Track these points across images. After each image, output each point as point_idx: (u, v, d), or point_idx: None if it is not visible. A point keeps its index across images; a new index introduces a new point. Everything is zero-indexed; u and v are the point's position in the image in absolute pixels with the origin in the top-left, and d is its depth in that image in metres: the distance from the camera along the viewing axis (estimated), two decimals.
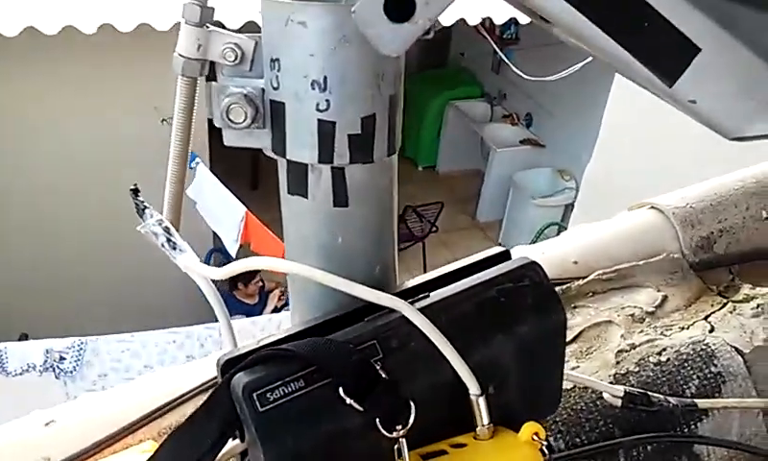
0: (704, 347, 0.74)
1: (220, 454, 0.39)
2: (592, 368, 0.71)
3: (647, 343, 0.74)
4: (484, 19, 3.70)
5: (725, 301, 0.83)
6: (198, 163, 3.56)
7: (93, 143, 3.82)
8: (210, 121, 0.41)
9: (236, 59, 0.41)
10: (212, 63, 0.43)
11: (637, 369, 0.71)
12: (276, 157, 0.43)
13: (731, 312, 0.80)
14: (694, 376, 0.71)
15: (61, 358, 2.60)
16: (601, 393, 0.65)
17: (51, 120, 3.71)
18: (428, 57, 6.62)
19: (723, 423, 0.70)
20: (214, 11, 0.43)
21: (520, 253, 0.86)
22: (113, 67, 3.61)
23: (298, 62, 0.39)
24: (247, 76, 0.42)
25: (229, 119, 0.40)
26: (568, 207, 5.15)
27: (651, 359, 0.72)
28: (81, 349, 2.64)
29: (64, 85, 3.66)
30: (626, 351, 0.73)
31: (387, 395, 0.38)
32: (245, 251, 3.52)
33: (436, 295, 0.44)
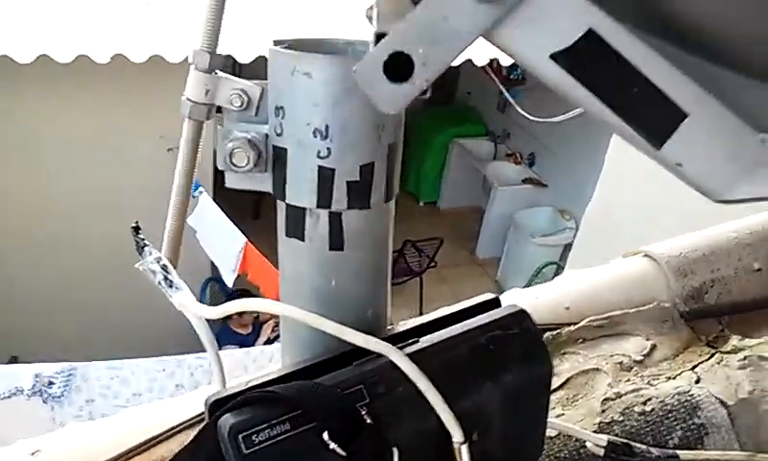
0: (688, 398, 0.74)
1: None
2: (578, 416, 0.71)
3: (633, 392, 0.74)
4: (491, 60, 3.76)
5: (713, 351, 0.83)
6: (201, 192, 3.56)
7: (99, 167, 3.84)
8: (216, 151, 0.43)
9: (242, 104, 0.43)
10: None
11: (622, 418, 0.71)
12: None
13: (718, 363, 0.80)
14: (677, 427, 0.71)
15: (50, 383, 2.55)
16: (584, 442, 0.65)
17: (59, 144, 3.73)
18: (436, 94, 6.69)
19: None
20: (223, 57, 0.45)
21: (515, 296, 0.86)
22: (125, 96, 3.65)
23: (301, 111, 0.40)
24: (252, 121, 0.43)
25: (232, 163, 0.42)
26: (567, 247, 5.13)
27: (636, 409, 0.72)
28: (70, 374, 2.60)
29: (75, 110, 3.70)
30: (612, 400, 0.73)
31: (371, 440, 0.38)
32: (242, 280, 3.51)
33: (425, 340, 0.45)
